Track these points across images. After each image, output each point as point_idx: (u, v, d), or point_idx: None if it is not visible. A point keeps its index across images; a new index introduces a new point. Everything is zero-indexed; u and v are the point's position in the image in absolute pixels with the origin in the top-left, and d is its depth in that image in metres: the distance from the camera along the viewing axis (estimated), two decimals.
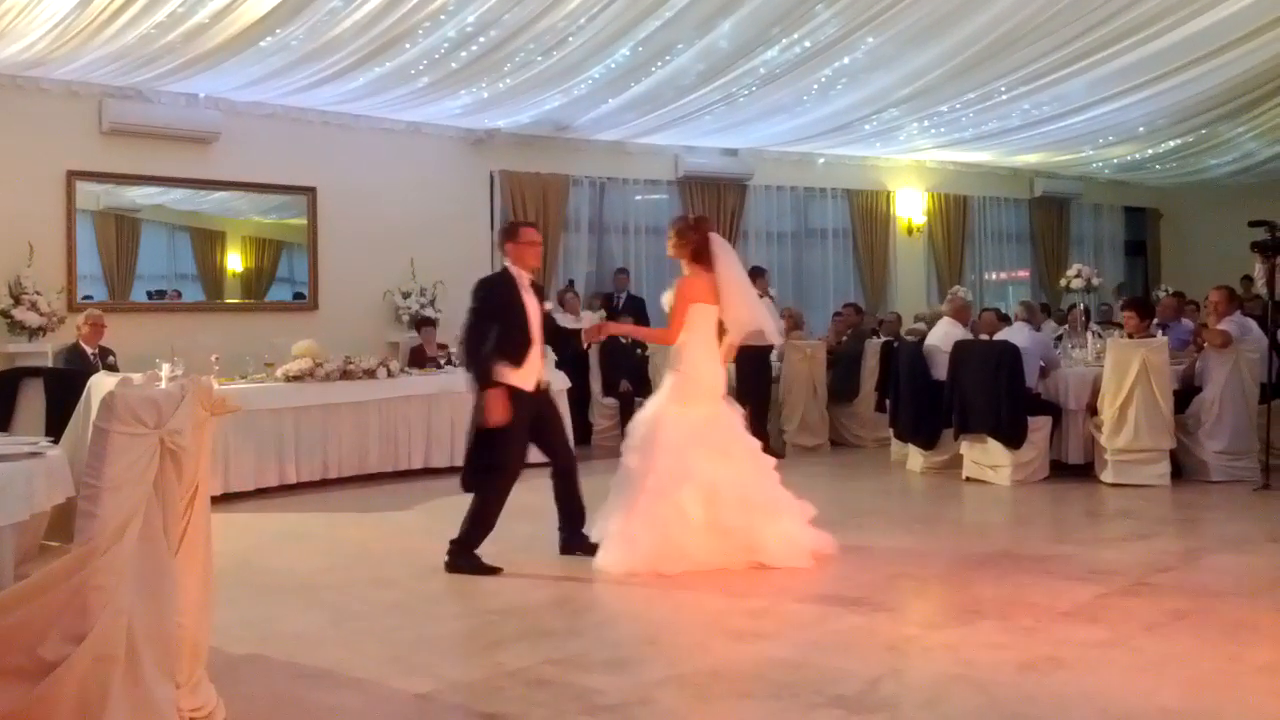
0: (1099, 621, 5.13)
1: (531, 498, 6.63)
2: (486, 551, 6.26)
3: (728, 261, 6.60)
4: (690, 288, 6.52)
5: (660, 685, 4.36)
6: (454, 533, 6.31)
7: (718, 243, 6.64)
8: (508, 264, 6.58)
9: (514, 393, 6.26)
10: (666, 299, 6.68)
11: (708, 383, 6.51)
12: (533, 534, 6.72)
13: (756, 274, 12.27)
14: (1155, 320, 10.30)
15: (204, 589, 3.76)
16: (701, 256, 6.56)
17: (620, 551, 6.14)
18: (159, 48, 9.50)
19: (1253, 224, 9.11)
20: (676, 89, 11.57)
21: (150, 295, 11.52)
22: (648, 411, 6.53)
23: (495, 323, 6.31)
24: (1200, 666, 4.47)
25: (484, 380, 6.24)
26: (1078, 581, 5.89)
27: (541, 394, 6.54)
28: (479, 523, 6.28)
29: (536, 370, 6.45)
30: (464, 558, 6.24)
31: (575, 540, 6.57)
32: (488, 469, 6.29)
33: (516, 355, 6.28)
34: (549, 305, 6.77)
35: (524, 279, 6.51)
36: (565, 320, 11.40)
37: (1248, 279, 14.11)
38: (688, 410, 6.39)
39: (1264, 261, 9.49)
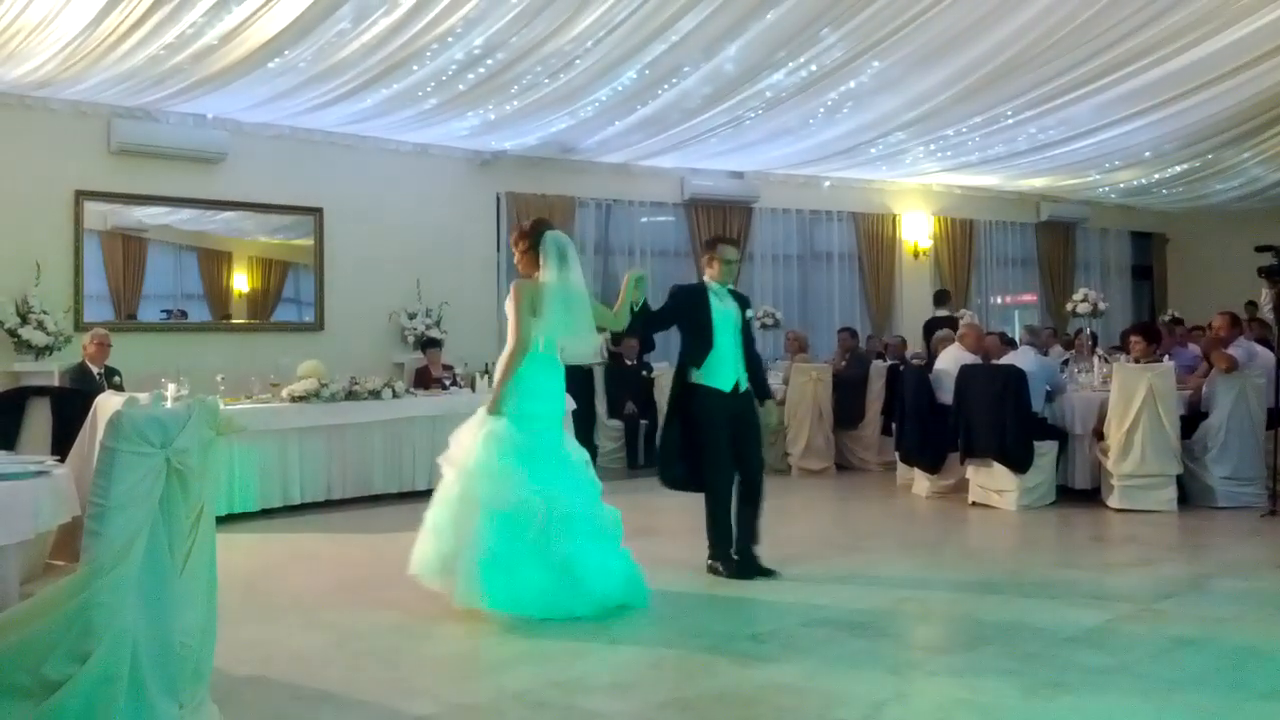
0: (1104, 647, 5.11)
1: None
2: None
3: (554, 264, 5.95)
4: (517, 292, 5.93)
5: (663, 708, 4.34)
6: None
7: (547, 242, 5.99)
8: (705, 275, 7.01)
9: (709, 392, 6.61)
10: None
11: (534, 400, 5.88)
12: None
13: (943, 298, 12.39)
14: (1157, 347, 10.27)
15: (208, 610, 3.76)
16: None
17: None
18: (168, 69, 9.56)
19: (1259, 249, 9.12)
20: (683, 111, 11.62)
21: (166, 314, 11.58)
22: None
23: (673, 321, 6.93)
24: (1205, 693, 4.45)
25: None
26: (1083, 607, 5.87)
27: (740, 396, 6.69)
28: (712, 529, 6.63)
29: (731, 374, 6.64)
30: (718, 562, 6.61)
31: (748, 563, 6.61)
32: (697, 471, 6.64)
33: (697, 357, 6.64)
34: (749, 314, 6.96)
35: (722, 290, 6.84)
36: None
37: (1252, 304, 14.12)
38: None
39: (1271, 286, 9.50)
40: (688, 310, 6.79)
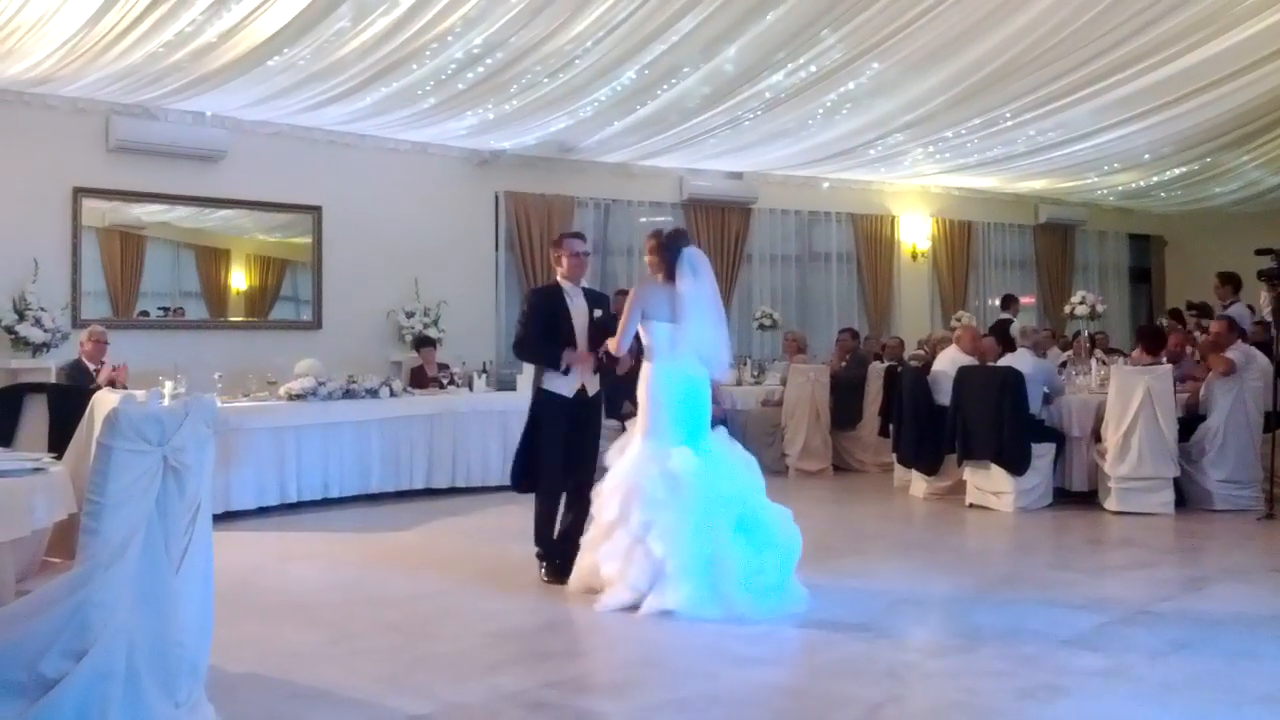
0: (1100, 650, 5.11)
1: (529, 520, 6.62)
2: (500, 566, 6.17)
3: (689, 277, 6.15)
4: (634, 296, 6.27)
5: (660, 709, 4.34)
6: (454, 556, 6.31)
7: (686, 257, 6.17)
8: (557, 275, 6.76)
9: (552, 398, 6.50)
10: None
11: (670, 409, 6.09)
12: (530, 555, 6.69)
13: (1009, 301, 12.47)
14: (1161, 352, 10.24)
15: (204, 607, 3.76)
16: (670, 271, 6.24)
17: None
18: (166, 66, 9.54)
19: (1259, 252, 9.12)
20: (682, 112, 11.62)
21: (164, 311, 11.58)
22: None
23: (540, 327, 6.60)
24: (1201, 696, 4.45)
25: (554, 361, 6.49)
26: (1079, 609, 5.87)
27: (585, 403, 6.60)
28: (535, 525, 6.56)
29: (577, 378, 6.54)
30: (538, 558, 6.56)
31: (564, 566, 6.38)
32: (533, 473, 6.58)
33: (556, 360, 6.47)
34: (597, 313, 6.67)
35: (574, 288, 6.65)
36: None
37: (1250, 308, 14.12)
38: (650, 441, 6.06)
39: (1270, 290, 9.50)
40: (545, 315, 6.61)
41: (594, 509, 6.17)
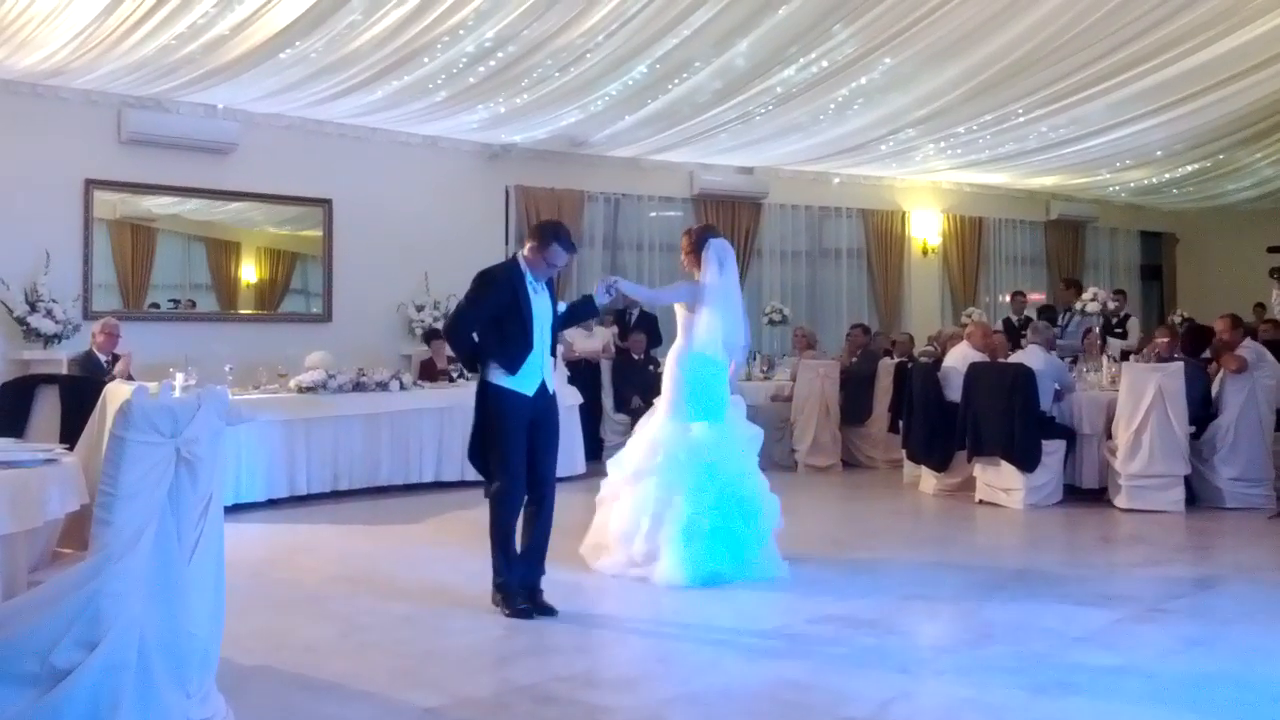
0: (1111, 647, 5.10)
1: None
2: None
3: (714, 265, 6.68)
4: (681, 285, 6.95)
5: (670, 704, 4.34)
6: (464, 549, 6.34)
7: (710, 249, 6.72)
8: (521, 256, 5.96)
9: (510, 395, 5.73)
10: None
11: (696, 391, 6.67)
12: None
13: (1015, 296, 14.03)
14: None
15: (216, 599, 3.76)
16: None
17: None
18: (179, 59, 9.55)
19: (1271, 250, 9.10)
20: (693, 106, 11.60)
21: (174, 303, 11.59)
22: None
23: (488, 317, 5.83)
24: (1213, 694, 4.44)
25: (511, 364, 5.71)
26: (1090, 607, 5.86)
27: (547, 398, 5.87)
28: (493, 545, 5.77)
29: (539, 374, 5.80)
30: (496, 589, 5.77)
31: (532, 598, 5.74)
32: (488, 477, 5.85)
33: (511, 359, 5.73)
34: (562, 306, 6.15)
35: (536, 281, 5.87)
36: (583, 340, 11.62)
37: (1261, 306, 14.09)
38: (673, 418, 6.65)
39: None
40: (507, 303, 5.77)
41: (611, 471, 6.75)
